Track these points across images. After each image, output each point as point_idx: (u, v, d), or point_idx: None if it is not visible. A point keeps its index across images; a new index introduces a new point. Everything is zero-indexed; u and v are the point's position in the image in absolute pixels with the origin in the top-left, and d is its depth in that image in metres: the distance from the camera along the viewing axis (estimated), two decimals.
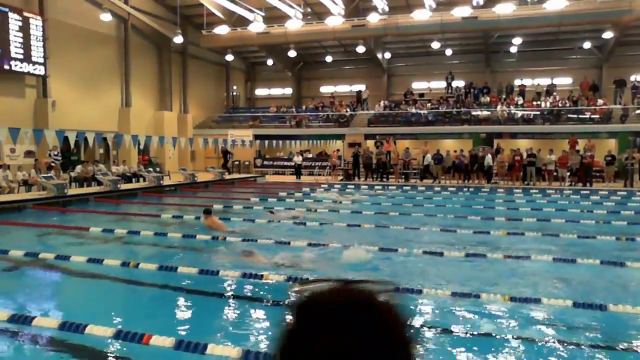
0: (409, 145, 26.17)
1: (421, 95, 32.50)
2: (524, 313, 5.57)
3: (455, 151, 23.25)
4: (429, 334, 5.04)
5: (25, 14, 20.96)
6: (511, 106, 27.79)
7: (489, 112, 27.74)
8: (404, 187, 20.95)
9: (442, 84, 32.66)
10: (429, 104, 29.91)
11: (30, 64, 21.09)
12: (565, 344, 4.77)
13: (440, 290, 6.14)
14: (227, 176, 23.19)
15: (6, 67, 20.26)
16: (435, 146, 25.06)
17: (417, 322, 5.35)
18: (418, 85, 34.56)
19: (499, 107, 27.66)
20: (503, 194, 18.42)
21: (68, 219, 12.16)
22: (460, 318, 5.49)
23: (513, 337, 4.95)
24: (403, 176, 24.03)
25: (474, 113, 28.06)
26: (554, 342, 4.83)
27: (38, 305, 6.08)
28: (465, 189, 20.32)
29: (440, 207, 14.67)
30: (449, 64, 33.24)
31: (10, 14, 20.37)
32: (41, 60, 21.54)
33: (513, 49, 30.64)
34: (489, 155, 22.56)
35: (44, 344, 4.70)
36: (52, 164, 17.96)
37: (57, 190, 14.81)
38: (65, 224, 11.19)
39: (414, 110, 29.60)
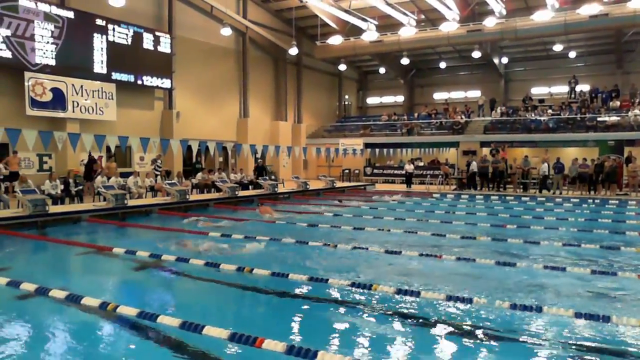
0: (528, 153, 24.84)
1: (541, 100, 30.77)
2: None
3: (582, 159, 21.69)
4: (548, 356, 4.70)
5: (157, 33, 22.73)
6: None
7: (619, 118, 25.54)
8: (522, 198, 19.88)
9: (565, 89, 30.74)
10: (549, 110, 28.20)
11: (159, 79, 22.81)
12: None
13: (562, 309, 5.71)
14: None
15: (139, 82, 22.09)
16: (557, 154, 23.54)
17: (536, 343, 5.01)
18: (538, 91, 32.85)
19: (631, 112, 25.39)
20: (635, 207, 16.85)
21: (189, 224, 12.90)
22: (585, 342, 5.05)
23: None
24: (521, 186, 22.82)
25: (600, 119, 25.97)
26: None
27: (161, 303, 6.49)
28: (590, 201, 18.87)
29: (562, 220, 13.73)
30: (572, 67, 31.30)
31: (145, 34, 22.20)
32: (168, 74, 23.24)
33: None
34: (545, 164, 21.82)
35: (165, 341, 4.99)
36: (156, 173, 19.15)
37: (180, 196, 15.81)
38: (186, 228, 11.89)
39: (533, 117, 28.07)
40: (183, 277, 7.77)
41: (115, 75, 21.09)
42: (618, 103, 26.83)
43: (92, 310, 5.63)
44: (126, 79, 21.58)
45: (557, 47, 28.08)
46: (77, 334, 5.33)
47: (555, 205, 17.38)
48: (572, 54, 30.24)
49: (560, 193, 21.45)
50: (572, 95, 29.53)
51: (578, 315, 5.48)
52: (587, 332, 5.26)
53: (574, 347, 4.92)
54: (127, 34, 21.48)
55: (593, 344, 4.97)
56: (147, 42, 22.29)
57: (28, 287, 6.36)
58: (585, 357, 4.69)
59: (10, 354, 4.68)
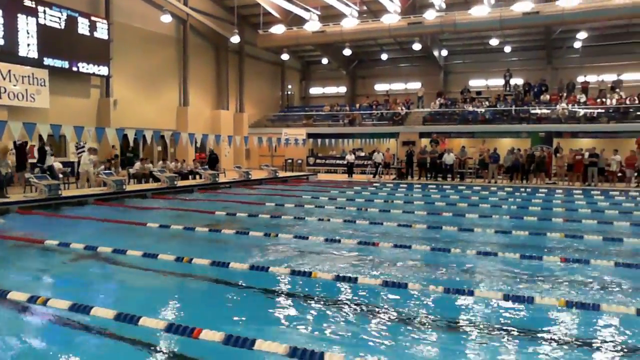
0: (465, 144, 25.64)
1: (478, 93, 31.75)
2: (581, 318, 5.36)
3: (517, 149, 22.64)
4: (479, 337, 4.91)
5: (93, 18, 21.89)
6: (575, 104, 26.64)
7: (549, 111, 26.74)
8: (459, 187, 20.53)
9: (500, 82, 31.81)
10: (486, 102, 29.17)
11: (95, 65, 22.02)
12: None
13: (492, 292, 6.00)
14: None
15: (74, 69, 21.25)
16: (493, 145, 24.43)
17: (468, 325, 5.23)
18: (475, 83, 33.83)
19: (559, 105, 26.62)
20: (562, 195, 17.74)
21: (126, 215, 12.58)
22: (505, 320, 5.32)
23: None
24: (458, 175, 23.56)
25: (532, 111, 27.11)
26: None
27: (95, 296, 6.31)
28: (522, 190, 19.70)
29: (496, 207, 14.30)
30: (507, 60, 32.42)
31: (80, 19, 21.36)
32: (105, 61, 22.44)
33: (577, 44, 29.39)
34: (451, 154, 23.28)
35: (100, 333, 4.87)
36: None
37: (116, 186, 15.38)
38: (123, 219, 11.57)
39: (470, 109, 28.95)
40: (119, 269, 7.58)
41: (48, 61, 20.20)
42: (548, 97, 28.06)
43: (21, 304, 5.43)
44: (60, 65, 20.71)
45: (494, 42, 29.01)
46: (5, 329, 5.12)
47: (490, 194, 18.04)
48: (507, 49, 31.32)
49: (496, 182, 22.30)
50: (507, 88, 30.65)
51: (507, 297, 5.76)
52: (514, 313, 5.54)
53: (500, 327, 5.16)
54: (60, 18, 20.58)
55: (519, 324, 5.24)
56: (83, 27, 21.43)
57: None
58: (511, 336, 4.93)
59: None
